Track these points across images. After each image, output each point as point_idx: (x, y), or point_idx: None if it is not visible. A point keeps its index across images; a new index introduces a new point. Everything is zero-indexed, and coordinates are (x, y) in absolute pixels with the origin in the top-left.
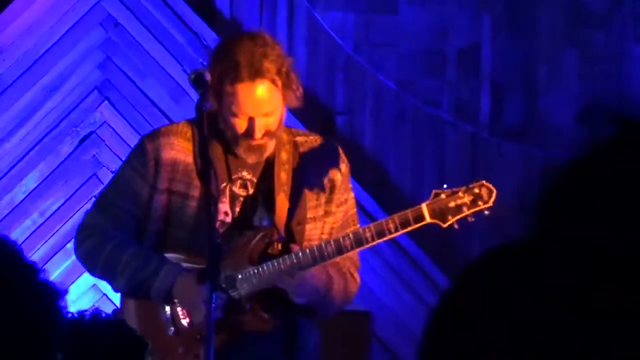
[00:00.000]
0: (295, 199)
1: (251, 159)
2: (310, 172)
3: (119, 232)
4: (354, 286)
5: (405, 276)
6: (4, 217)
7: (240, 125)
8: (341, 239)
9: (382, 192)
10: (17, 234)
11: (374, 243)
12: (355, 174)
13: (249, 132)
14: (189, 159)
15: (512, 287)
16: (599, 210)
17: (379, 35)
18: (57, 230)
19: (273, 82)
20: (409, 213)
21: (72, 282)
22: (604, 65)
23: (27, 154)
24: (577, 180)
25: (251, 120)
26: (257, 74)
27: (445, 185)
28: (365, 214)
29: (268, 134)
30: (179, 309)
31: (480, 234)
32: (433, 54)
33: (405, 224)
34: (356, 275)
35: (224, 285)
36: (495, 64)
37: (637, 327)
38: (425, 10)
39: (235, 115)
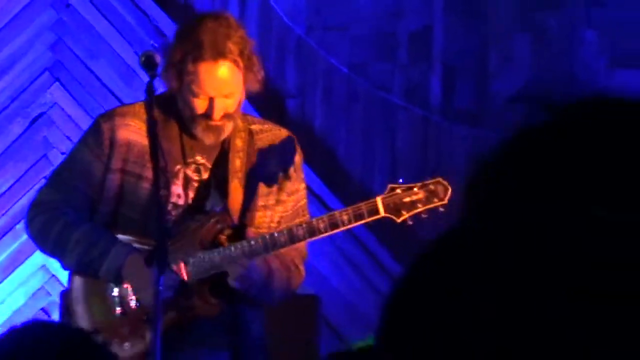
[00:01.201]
0: (248, 186)
1: (208, 140)
2: (264, 161)
3: (71, 210)
4: (298, 278)
5: (353, 259)
6: None
7: (200, 105)
8: (294, 229)
9: (332, 175)
10: None
11: (327, 234)
12: (306, 157)
13: (208, 113)
14: (144, 140)
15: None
16: (524, 193)
17: (330, 19)
18: (6, 211)
19: (235, 63)
20: (363, 206)
21: (21, 263)
22: (556, 49)
23: None
24: (503, 164)
25: (211, 101)
26: (219, 54)
27: (400, 180)
28: (315, 198)
29: (227, 115)
30: (127, 289)
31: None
32: (384, 37)
33: (358, 216)
34: (301, 267)
35: (174, 268)
36: (447, 47)
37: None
38: None
39: (195, 95)
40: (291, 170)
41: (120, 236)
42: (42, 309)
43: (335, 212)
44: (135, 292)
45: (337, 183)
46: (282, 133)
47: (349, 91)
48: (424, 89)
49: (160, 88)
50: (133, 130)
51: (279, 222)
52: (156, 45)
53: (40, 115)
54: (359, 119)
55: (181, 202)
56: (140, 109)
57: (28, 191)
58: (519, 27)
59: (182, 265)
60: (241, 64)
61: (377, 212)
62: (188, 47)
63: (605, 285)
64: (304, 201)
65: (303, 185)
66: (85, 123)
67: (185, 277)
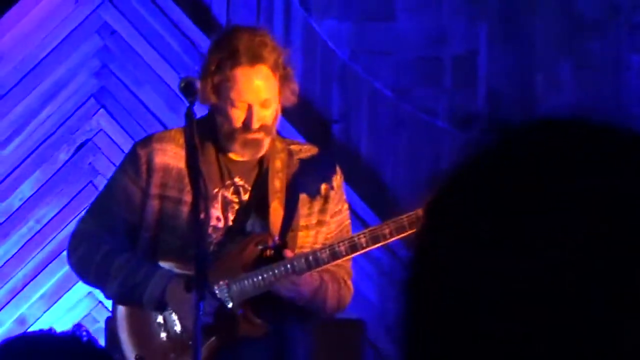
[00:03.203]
0: (289, 207)
1: (247, 155)
2: (303, 181)
3: (112, 239)
4: (348, 294)
5: (397, 279)
6: (0, 224)
7: (238, 115)
8: (336, 245)
9: (378, 200)
10: (14, 242)
11: (369, 249)
12: (351, 182)
13: (247, 123)
14: (182, 164)
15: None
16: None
17: (375, 43)
18: (53, 238)
19: (272, 69)
20: (405, 218)
21: (68, 290)
22: (600, 74)
23: (23, 161)
24: (456, 186)
25: (249, 110)
26: (256, 58)
27: None
28: (360, 222)
29: (264, 128)
30: (171, 314)
31: None
32: (429, 62)
33: (400, 229)
34: (349, 283)
35: (216, 292)
36: (492, 71)
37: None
38: (421, 18)
39: (233, 103)
40: (332, 190)
41: (161, 262)
42: None
43: (377, 226)
44: (178, 318)
45: (382, 207)
46: (321, 153)
47: (394, 115)
48: (469, 113)
49: (199, 113)
50: (170, 155)
51: (322, 244)
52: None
53: (86, 142)
54: (404, 143)
55: (221, 224)
56: (176, 134)
57: (74, 218)
58: (563, 52)
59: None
60: (277, 73)
61: (419, 223)
62: (224, 54)
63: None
64: (347, 221)
65: (345, 206)
66: None
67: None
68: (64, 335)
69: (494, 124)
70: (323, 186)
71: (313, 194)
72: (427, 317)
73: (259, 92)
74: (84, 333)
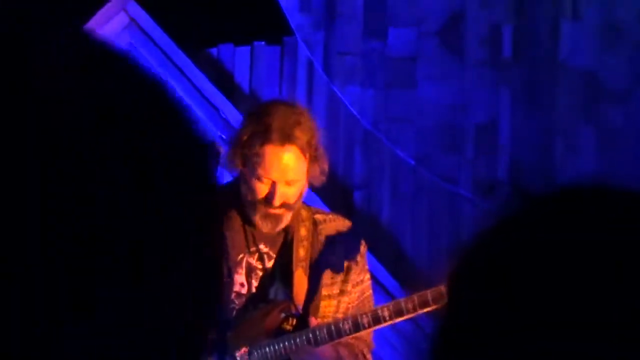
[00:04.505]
0: (313, 276)
1: (266, 228)
2: (328, 250)
3: None
4: None
5: (422, 349)
6: None
7: (261, 189)
8: (359, 317)
9: (399, 267)
10: None
11: (392, 322)
12: (372, 248)
13: (269, 198)
14: None
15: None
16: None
17: (397, 110)
18: None
19: (302, 150)
20: (428, 293)
21: None
22: (622, 142)
23: None
24: (484, 256)
25: (273, 186)
26: (287, 138)
27: None
28: (381, 289)
29: (286, 205)
30: None
31: None
32: (450, 129)
33: (424, 304)
34: (369, 357)
35: (237, 358)
36: (513, 139)
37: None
38: (443, 86)
39: (259, 178)
40: (355, 260)
41: None
42: None
43: (401, 300)
44: None
45: (404, 275)
46: (346, 223)
47: (415, 183)
48: (491, 182)
49: (223, 179)
50: None
51: (344, 313)
52: (224, 137)
53: None
54: (425, 211)
55: (244, 290)
56: None
57: None
58: (583, 120)
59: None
60: (307, 153)
61: (442, 299)
62: (257, 128)
63: None
64: (369, 292)
65: (368, 276)
66: None
67: None
68: None
69: (516, 192)
70: (346, 263)
71: (337, 264)
72: None
73: (286, 172)
74: None
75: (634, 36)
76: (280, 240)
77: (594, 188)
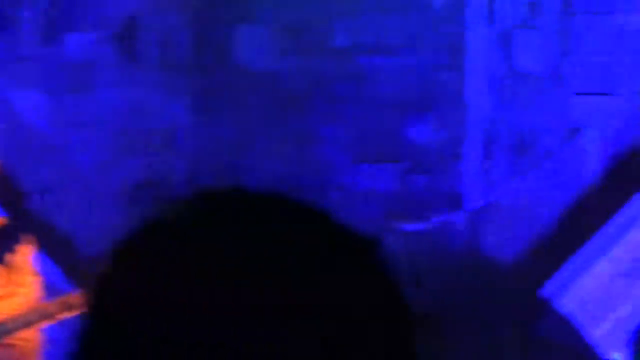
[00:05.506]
0: None
1: None
2: None
3: None
4: None
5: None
6: None
7: None
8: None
9: (76, 271)
10: None
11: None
12: (50, 252)
13: None
14: None
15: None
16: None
17: (75, 116)
18: None
19: None
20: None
21: None
22: (307, 143)
23: None
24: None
25: None
26: None
27: None
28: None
29: None
30: None
31: None
32: (130, 135)
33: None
34: None
35: None
36: (193, 144)
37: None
38: (121, 91)
39: None
40: None
41: None
42: None
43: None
44: None
45: (79, 277)
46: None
47: (94, 188)
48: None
49: None
50: None
51: None
52: None
53: None
54: (108, 216)
55: None
56: None
57: None
58: (264, 123)
59: None
60: None
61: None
62: None
63: None
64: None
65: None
66: None
67: None
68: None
69: (196, 196)
70: None
71: None
72: None
73: None
74: None
75: (313, 37)
76: None
77: (229, 191)
